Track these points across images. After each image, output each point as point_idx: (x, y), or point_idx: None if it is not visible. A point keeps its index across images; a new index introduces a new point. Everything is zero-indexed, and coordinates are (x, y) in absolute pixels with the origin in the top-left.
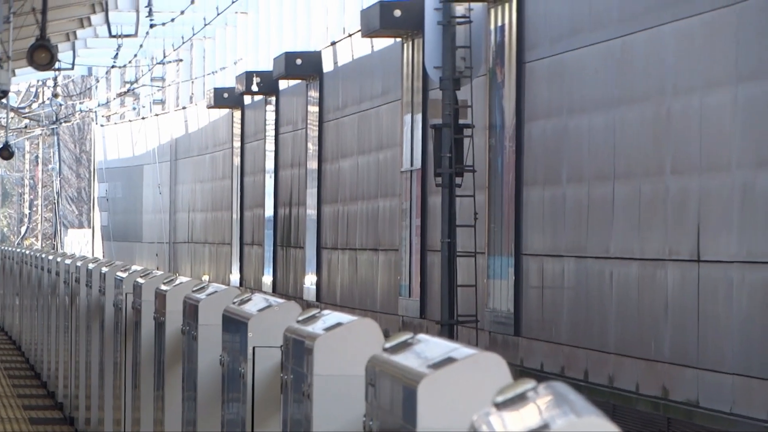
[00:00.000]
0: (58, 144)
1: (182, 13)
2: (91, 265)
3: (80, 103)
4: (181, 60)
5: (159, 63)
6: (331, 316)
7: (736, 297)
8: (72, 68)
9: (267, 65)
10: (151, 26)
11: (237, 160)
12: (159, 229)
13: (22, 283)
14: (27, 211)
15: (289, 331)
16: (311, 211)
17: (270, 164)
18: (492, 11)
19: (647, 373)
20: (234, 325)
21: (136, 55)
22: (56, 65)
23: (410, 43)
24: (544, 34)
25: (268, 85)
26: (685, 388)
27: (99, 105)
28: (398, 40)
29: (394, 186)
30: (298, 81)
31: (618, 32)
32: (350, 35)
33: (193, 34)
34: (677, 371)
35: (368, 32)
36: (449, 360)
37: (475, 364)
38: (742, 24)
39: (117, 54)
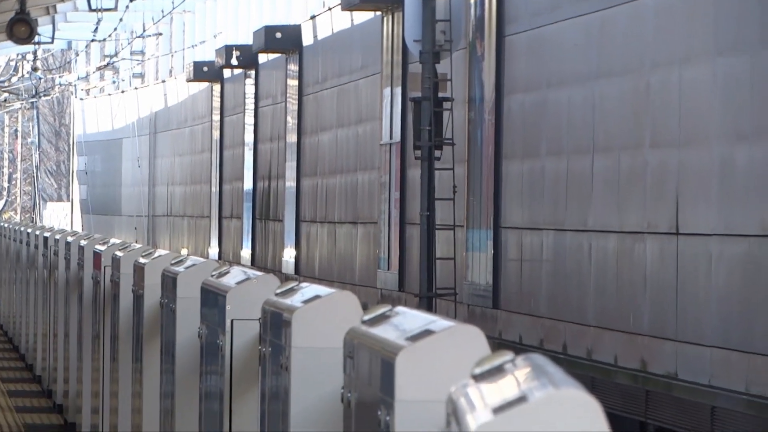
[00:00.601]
0: (38, 117)
1: None
2: (69, 238)
3: (60, 76)
4: (160, 34)
5: (139, 37)
6: (309, 289)
7: (714, 270)
8: (52, 42)
9: (247, 39)
10: (131, 0)
11: (216, 134)
12: (138, 202)
13: (0, 256)
14: (6, 185)
15: (267, 303)
16: (290, 185)
17: (249, 137)
18: None
19: (626, 345)
20: (212, 298)
21: (116, 29)
22: (36, 39)
23: (390, 16)
24: (524, 8)
25: (247, 58)
26: (664, 361)
27: (78, 79)
28: (378, 13)
29: (374, 159)
30: (278, 55)
31: (597, 6)
32: (330, 9)
33: (173, 8)
34: (656, 344)
35: (348, 6)
36: (427, 332)
37: (453, 337)
38: None
39: (97, 28)
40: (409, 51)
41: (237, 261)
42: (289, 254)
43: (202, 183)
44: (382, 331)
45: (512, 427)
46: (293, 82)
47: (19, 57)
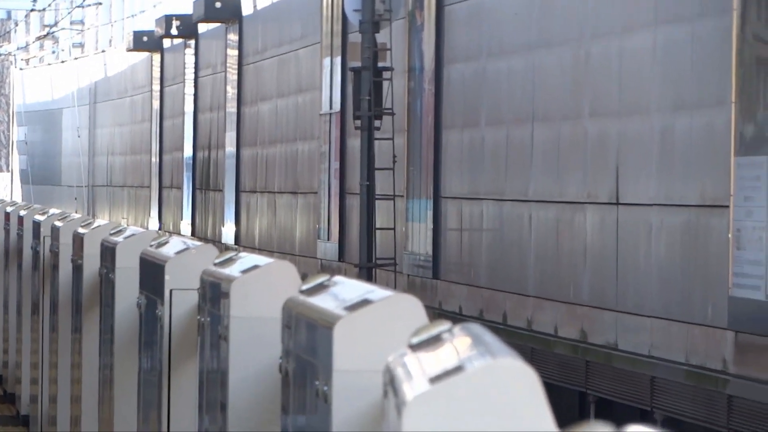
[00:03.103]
0: None
1: None
2: (9, 208)
3: None
4: (100, 3)
5: (78, 6)
6: (248, 259)
7: (654, 240)
8: None
9: (187, 8)
10: None
11: (156, 104)
12: (78, 172)
13: None
14: None
15: (206, 273)
16: (230, 155)
17: (189, 107)
18: None
19: (566, 316)
20: (151, 268)
21: None
22: None
23: None
24: None
25: (187, 28)
26: (604, 331)
27: (18, 48)
28: None
29: (313, 129)
30: (218, 24)
31: None
32: None
33: None
34: (596, 314)
35: None
36: (365, 302)
37: (390, 306)
38: None
39: None
40: (349, 21)
41: (177, 231)
42: (228, 224)
43: (142, 153)
44: (320, 301)
45: (449, 397)
46: (233, 52)
47: None
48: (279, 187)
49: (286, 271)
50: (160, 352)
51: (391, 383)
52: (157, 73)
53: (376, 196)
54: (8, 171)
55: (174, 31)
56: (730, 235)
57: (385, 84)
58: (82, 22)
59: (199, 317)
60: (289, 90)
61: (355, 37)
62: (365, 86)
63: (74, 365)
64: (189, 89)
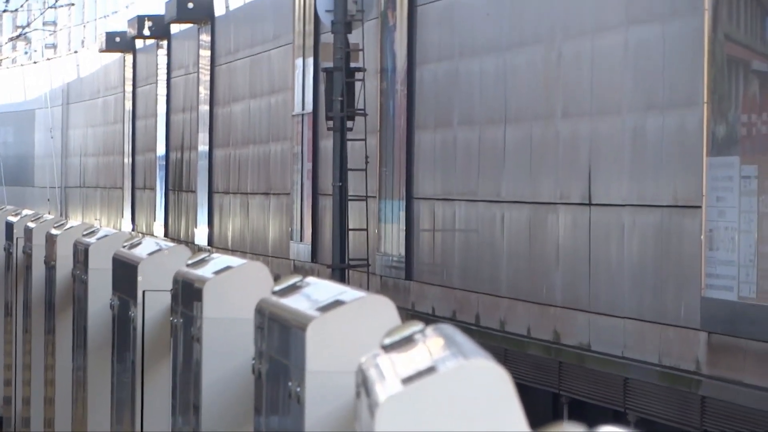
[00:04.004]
0: None
1: None
2: None
3: None
4: (73, 4)
5: (51, 7)
6: (220, 260)
7: (627, 241)
8: None
9: (159, 9)
10: None
11: (129, 105)
12: (51, 173)
13: None
14: None
15: (178, 274)
16: (203, 156)
17: (162, 108)
18: None
19: (539, 317)
20: (124, 269)
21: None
22: None
23: None
24: None
25: (160, 29)
26: (577, 332)
27: None
28: None
29: (286, 130)
30: (190, 25)
31: None
32: None
33: None
34: (569, 315)
35: None
36: (338, 303)
37: (363, 307)
38: None
39: None
40: (321, 21)
41: (150, 232)
42: (201, 225)
43: (114, 154)
44: (292, 302)
45: (421, 398)
46: (205, 53)
47: None
48: (252, 188)
49: (258, 272)
50: (134, 353)
51: (363, 384)
52: (129, 74)
53: (349, 197)
54: None
55: (146, 32)
56: (702, 236)
57: (358, 84)
58: (54, 23)
59: (172, 318)
60: (262, 91)
61: (327, 38)
62: (338, 87)
63: (47, 367)
64: (161, 90)
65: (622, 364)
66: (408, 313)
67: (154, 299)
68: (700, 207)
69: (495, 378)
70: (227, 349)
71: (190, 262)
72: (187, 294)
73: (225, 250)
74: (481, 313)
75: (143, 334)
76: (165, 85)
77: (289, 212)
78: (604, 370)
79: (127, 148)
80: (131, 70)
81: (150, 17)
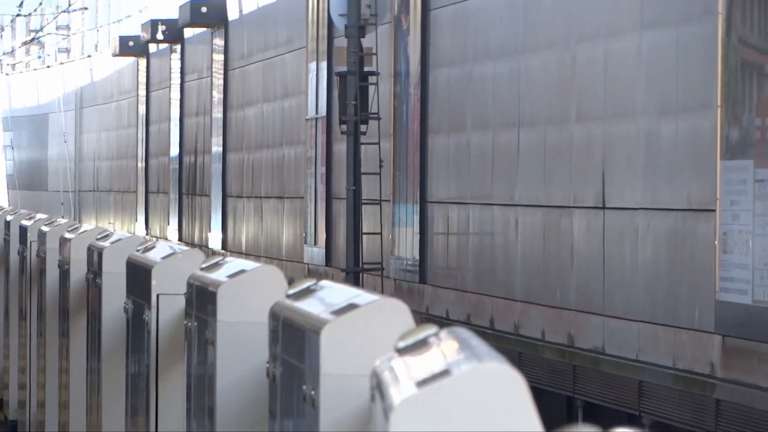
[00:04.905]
0: None
1: None
2: None
3: None
4: (86, 8)
5: (64, 11)
6: (234, 263)
7: (641, 244)
8: None
9: (172, 13)
10: None
11: (142, 109)
12: (64, 177)
13: None
14: None
15: (192, 278)
16: (216, 159)
17: (175, 112)
18: None
19: (553, 320)
20: (138, 273)
21: (41, 3)
22: None
23: None
24: None
25: (173, 33)
26: (591, 336)
27: (4, 54)
28: None
29: (299, 134)
30: (204, 29)
31: None
32: None
33: None
34: (583, 318)
35: None
36: (352, 306)
37: (377, 310)
38: None
39: (22, 2)
40: (335, 25)
41: (164, 236)
42: (215, 229)
43: (128, 158)
44: (307, 305)
45: (436, 401)
46: (219, 57)
47: None
48: (265, 192)
49: (272, 276)
50: (148, 356)
51: (378, 387)
52: (143, 78)
53: (363, 201)
54: None
55: (160, 36)
56: (716, 240)
57: (371, 88)
58: (68, 27)
59: (186, 322)
60: (275, 95)
61: (340, 42)
62: (351, 91)
63: (62, 370)
64: (175, 94)
65: (636, 368)
66: (422, 317)
67: (168, 303)
68: (714, 210)
69: (509, 381)
70: (241, 352)
71: (203, 265)
72: (201, 297)
73: (239, 253)
74: (495, 317)
75: (157, 337)
76: (178, 89)
77: (302, 216)
78: (618, 373)
79: (141, 152)
80: (145, 74)
81: (163, 21)
